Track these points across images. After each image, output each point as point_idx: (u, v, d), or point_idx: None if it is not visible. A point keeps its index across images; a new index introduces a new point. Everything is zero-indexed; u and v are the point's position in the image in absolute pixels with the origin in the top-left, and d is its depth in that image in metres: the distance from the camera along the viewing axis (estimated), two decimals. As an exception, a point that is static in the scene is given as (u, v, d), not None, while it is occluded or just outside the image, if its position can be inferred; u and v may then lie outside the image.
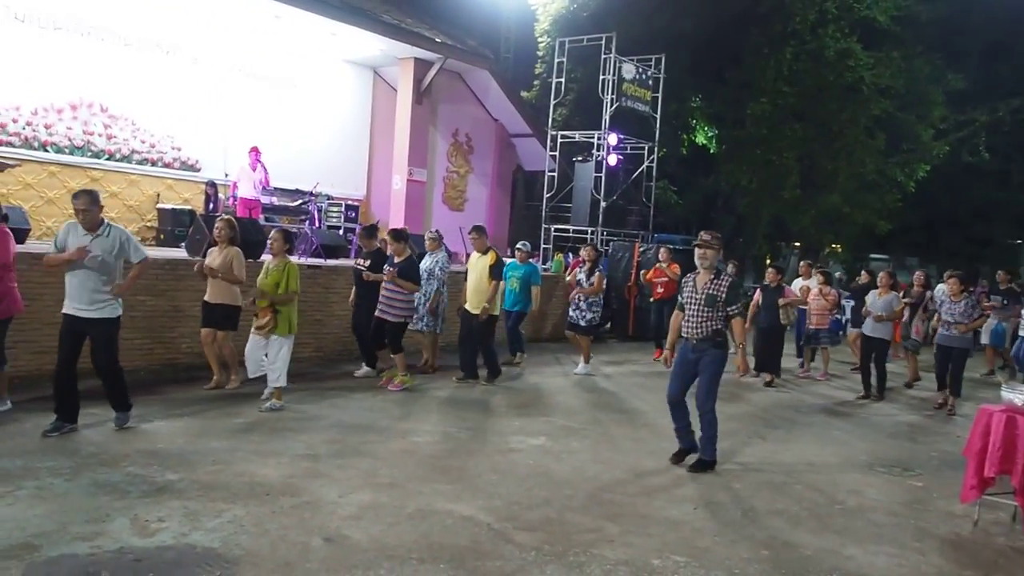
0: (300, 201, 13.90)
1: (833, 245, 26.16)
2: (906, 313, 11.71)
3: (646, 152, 18.70)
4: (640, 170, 18.72)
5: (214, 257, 8.06)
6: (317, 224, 13.60)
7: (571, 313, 10.94)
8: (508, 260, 11.32)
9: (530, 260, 11.26)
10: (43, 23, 12.67)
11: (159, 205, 13.81)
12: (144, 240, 13.53)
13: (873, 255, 26.97)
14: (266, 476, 5.49)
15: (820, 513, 5.64)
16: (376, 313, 8.83)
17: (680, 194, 23.19)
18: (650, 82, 18.59)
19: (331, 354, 10.52)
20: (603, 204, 17.24)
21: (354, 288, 9.56)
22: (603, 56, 17.41)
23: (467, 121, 18.94)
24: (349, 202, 16.08)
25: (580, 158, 18.34)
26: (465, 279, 9.91)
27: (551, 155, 18.43)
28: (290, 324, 7.57)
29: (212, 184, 13.52)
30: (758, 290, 11.58)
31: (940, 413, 9.82)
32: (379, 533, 4.62)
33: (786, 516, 5.50)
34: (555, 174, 18.43)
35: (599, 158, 17.47)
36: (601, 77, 17.49)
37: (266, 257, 8.46)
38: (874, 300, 10.43)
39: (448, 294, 10.24)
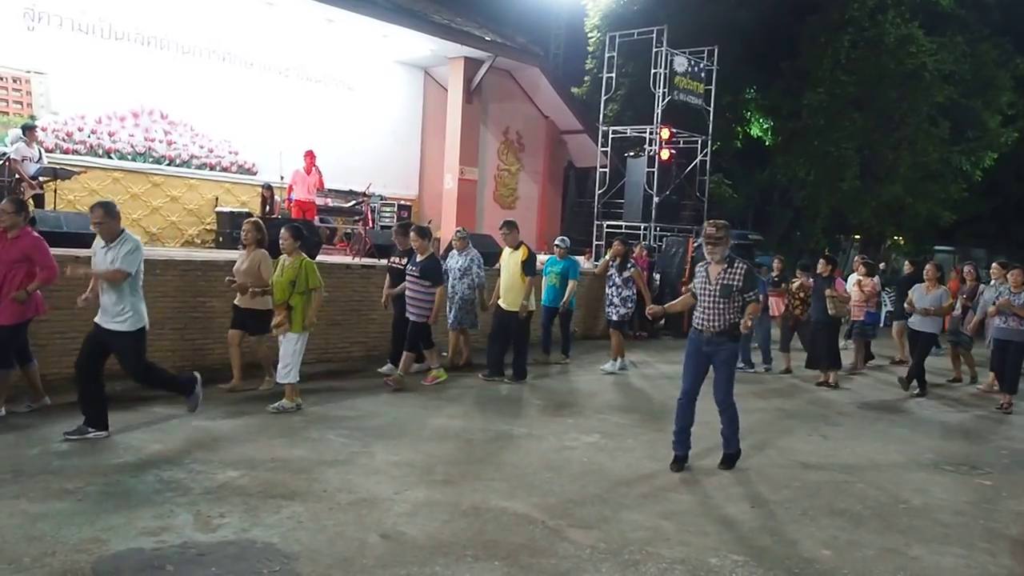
0: (353, 202, 14.06)
1: (895, 237, 25.51)
2: (958, 308, 11.23)
3: (699, 146, 18.49)
4: (693, 164, 18.52)
5: (241, 260, 8.01)
6: (370, 224, 13.74)
7: (607, 310, 10.79)
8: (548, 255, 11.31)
9: (569, 256, 11.04)
10: (105, 34, 13.07)
11: (217, 208, 14.12)
12: (204, 243, 13.86)
13: (938, 247, 26.18)
14: (323, 473, 5.56)
15: (884, 512, 5.50)
16: (406, 314, 8.76)
17: (735, 188, 22.87)
18: (703, 75, 18.37)
19: (383, 352, 10.56)
20: (656, 199, 17.10)
21: (386, 287, 9.48)
22: (654, 50, 17.26)
23: (517, 119, 18.97)
24: (402, 202, 16.25)
25: (632, 153, 18.24)
26: (499, 275, 9.80)
27: (603, 151, 18.34)
28: (305, 322, 7.40)
29: (268, 187, 13.77)
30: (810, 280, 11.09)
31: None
32: (434, 530, 4.64)
33: (848, 515, 5.38)
34: (607, 170, 18.33)
35: (651, 153, 17.34)
36: (652, 71, 17.34)
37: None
38: (921, 295, 10.00)
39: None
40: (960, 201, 22.67)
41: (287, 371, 7.34)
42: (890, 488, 6.07)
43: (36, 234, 6.67)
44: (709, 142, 18.60)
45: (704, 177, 18.75)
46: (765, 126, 24.36)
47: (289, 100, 15.26)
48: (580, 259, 13.28)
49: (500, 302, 9.57)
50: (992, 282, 10.44)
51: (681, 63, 17.70)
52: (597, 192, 18.48)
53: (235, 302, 8.10)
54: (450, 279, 9.69)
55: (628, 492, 5.56)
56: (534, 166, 19.61)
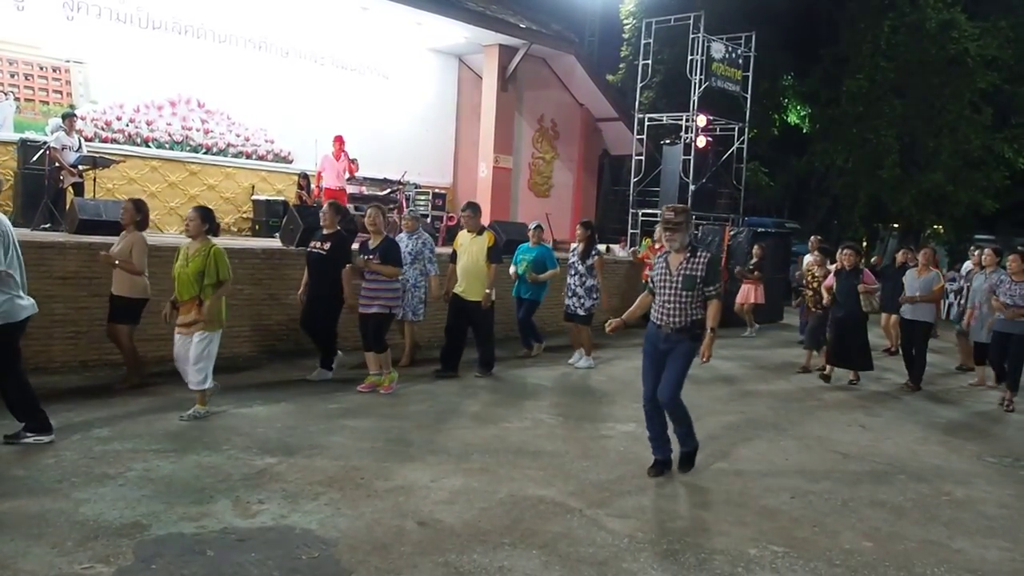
0: (388, 190, 14.09)
1: (936, 226, 25.07)
2: (951, 295, 10.78)
3: (736, 133, 18.25)
4: (730, 152, 18.28)
5: (117, 242, 7.21)
6: (405, 213, 13.74)
7: (567, 301, 9.96)
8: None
9: (543, 243, 10.22)
10: (143, 23, 13.17)
11: (254, 197, 14.22)
12: (240, 231, 13.98)
13: (979, 235, 25.70)
14: (360, 460, 5.58)
15: (926, 504, 5.41)
16: (360, 309, 7.75)
17: (772, 176, 22.58)
18: (740, 61, 18.11)
19: (421, 341, 10.60)
20: (692, 187, 16.91)
21: (305, 276, 8.23)
22: (691, 36, 17.04)
23: (552, 106, 18.85)
24: (436, 190, 16.23)
25: (668, 141, 18.03)
26: (451, 260, 8.92)
27: (638, 139, 18.17)
28: (219, 319, 6.48)
29: (304, 176, 13.85)
30: (830, 275, 10.22)
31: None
32: (471, 518, 4.64)
33: (889, 507, 5.30)
34: (642, 158, 18.16)
35: (687, 140, 17.13)
36: (689, 58, 17.13)
37: (184, 241, 6.94)
38: (912, 280, 9.57)
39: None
40: (1003, 189, 22.22)
41: (202, 377, 6.39)
42: (932, 480, 5.98)
43: None
44: (746, 129, 18.36)
45: (741, 165, 18.51)
46: (803, 113, 24.03)
47: (324, 88, 15.30)
48: (616, 247, 13.15)
49: (458, 290, 8.77)
50: (983, 268, 9.95)
51: (718, 49, 17.45)
52: (632, 180, 18.31)
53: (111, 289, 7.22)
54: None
55: (665, 481, 5.52)
56: (569, 154, 19.49)
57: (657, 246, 11.77)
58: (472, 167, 17.28)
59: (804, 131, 24.01)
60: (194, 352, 6.35)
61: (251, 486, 4.95)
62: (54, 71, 12.32)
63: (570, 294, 9.92)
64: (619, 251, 16.54)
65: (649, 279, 5.83)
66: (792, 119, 24.33)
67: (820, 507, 5.21)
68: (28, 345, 6.91)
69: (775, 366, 10.89)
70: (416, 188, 15.14)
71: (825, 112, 22.23)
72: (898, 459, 6.49)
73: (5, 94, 11.76)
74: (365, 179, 13.90)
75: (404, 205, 13.82)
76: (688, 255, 5.53)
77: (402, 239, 8.98)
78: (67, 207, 10.17)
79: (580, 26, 24.61)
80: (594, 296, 9.82)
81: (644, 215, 18.06)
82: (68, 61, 12.44)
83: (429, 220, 14.72)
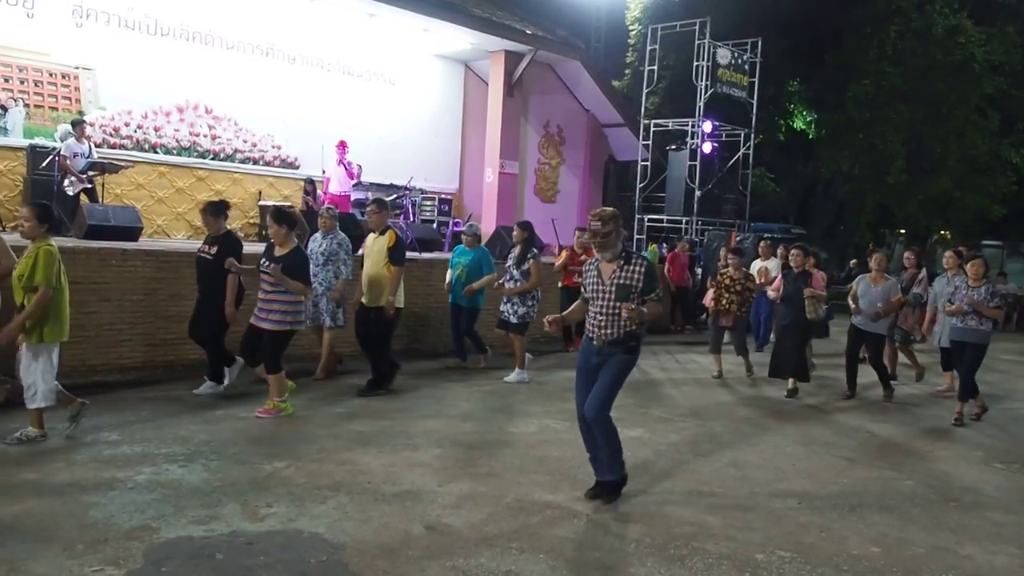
0: (395, 196, 14.13)
1: (942, 232, 25.03)
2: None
3: (742, 139, 18.28)
4: (736, 158, 18.31)
5: None
6: (411, 218, 13.80)
7: (501, 307, 9.22)
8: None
9: (480, 246, 9.51)
10: (151, 30, 13.23)
11: (261, 202, 14.24)
12: (247, 236, 14.01)
13: (986, 242, 25.65)
14: (367, 464, 5.60)
15: (934, 510, 5.40)
16: (252, 320, 7.02)
17: (778, 181, 22.59)
18: (746, 67, 18.14)
19: (428, 346, 10.64)
20: (698, 193, 16.94)
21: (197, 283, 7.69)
22: (697, 42, 17.09)
23: (558, 112, 18.89)
24: (442, 196, 16.26)
25: (674, 147, 18.08)
26: (361, 265, 8.15)
27: (644, 144, 18.20)
28: (43, 330, 5.58)
29: (310, 181, 13.90)
30: (778, 277, 9.65)
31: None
32: (479, 522, 4.65)
33: (897, 512, 5.29)
34: (648, 163, 18.20)
35: (693, 146, 17.17)
36: (695, 63, 17.17)
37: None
38: (866, 289, 8.68)
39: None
40: (1010, 194, 22.20)
41: (31, 393, 5.62)
42: (939, 485, 5.97)
43: None
44: (752, 135, 18.37)
45: (747, 171, 18.53)
46: (809, 119, 24.05)
47: (331, 94, 15.35)
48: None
49: (363, 299, 7.94)
50: (944, 273, 9.35)
51: (724, 55, 17.49)
52: (638, 186, 18.36)
53: None
54: (311, 265, 7.73)
55: (672, 487, 5.53)
56: (575, 160, 19.52)
57: (581, 255, 10.60)
58: (478, 173, 17.31)
59: (810, 137, 24.03)
60: (22, 367, 5.68)
61: (259, 490, 4.97)
62: (63, 77, 12.38)
63: (505, 300, 9.14)
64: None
65: (581, 287, 5.35)
66: (798, 125, 24.35)
67: (827, 512, 5.21)
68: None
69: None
70: (422, 194, 15.19)
71: (831, 118, 22.27)
72: (905, 464, 6.48)
73: (15, 100, 11.83)
74: (371, 184, 13.95)
75: (410, 211, 13.87)
76: (622, 263, 5.04)
77: (316, 239, 8.44)
78: (75, 212, 10.21)
79: (586, 32, 24.67)
80: (529, 303, 9.04)
81: (650, 221, 18.09)
82: (77, 68, 12.49)
83: (435, 226, 14.77)
